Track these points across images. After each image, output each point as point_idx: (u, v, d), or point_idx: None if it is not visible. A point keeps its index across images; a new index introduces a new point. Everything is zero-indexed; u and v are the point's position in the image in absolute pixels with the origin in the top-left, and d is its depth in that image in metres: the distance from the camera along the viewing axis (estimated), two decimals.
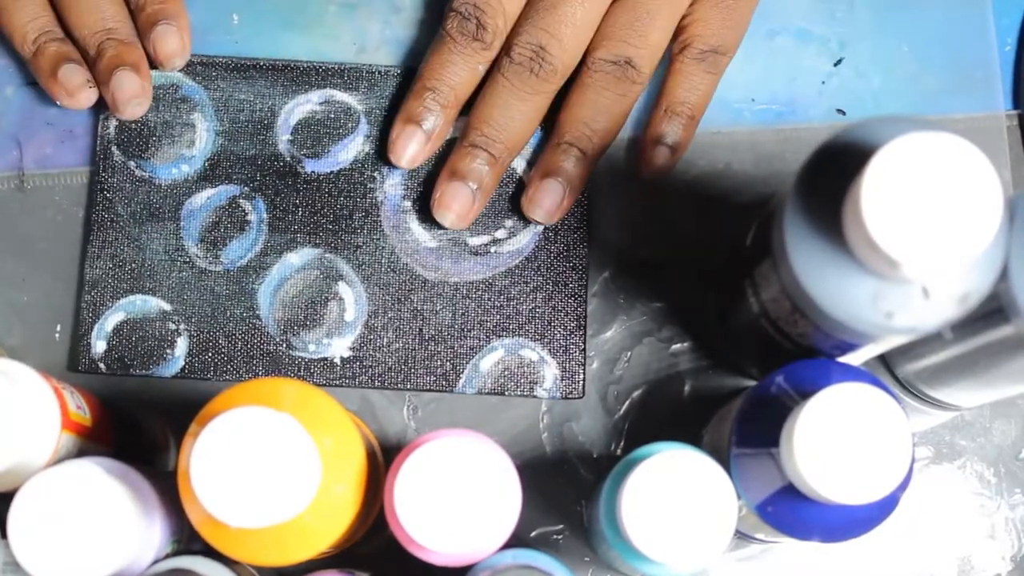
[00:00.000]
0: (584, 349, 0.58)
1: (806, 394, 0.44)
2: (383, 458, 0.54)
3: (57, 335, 0.59)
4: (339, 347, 0.58)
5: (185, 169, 0.59)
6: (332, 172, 0.60)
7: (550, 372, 0.58)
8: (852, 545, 0.57)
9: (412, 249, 0.59)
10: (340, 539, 0.47)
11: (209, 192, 0.59)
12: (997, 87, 0.61)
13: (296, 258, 0.59)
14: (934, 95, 0.61)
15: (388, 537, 0.47)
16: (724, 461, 0.47)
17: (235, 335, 0.58)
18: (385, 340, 0.58)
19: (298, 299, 0.59)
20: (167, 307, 0.58)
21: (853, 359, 0.50)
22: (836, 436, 0.43)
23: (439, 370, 0.58)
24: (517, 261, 0.59)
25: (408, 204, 0.59)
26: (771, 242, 0.44)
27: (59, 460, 0.48)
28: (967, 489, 0.60)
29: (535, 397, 0.58)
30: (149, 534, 0.47)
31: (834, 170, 0.42)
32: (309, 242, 0.59)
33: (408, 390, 0.58)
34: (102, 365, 0.58)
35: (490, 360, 0.58)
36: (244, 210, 0.59)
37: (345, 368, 0.58)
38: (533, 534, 0.58)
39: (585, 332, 0.59)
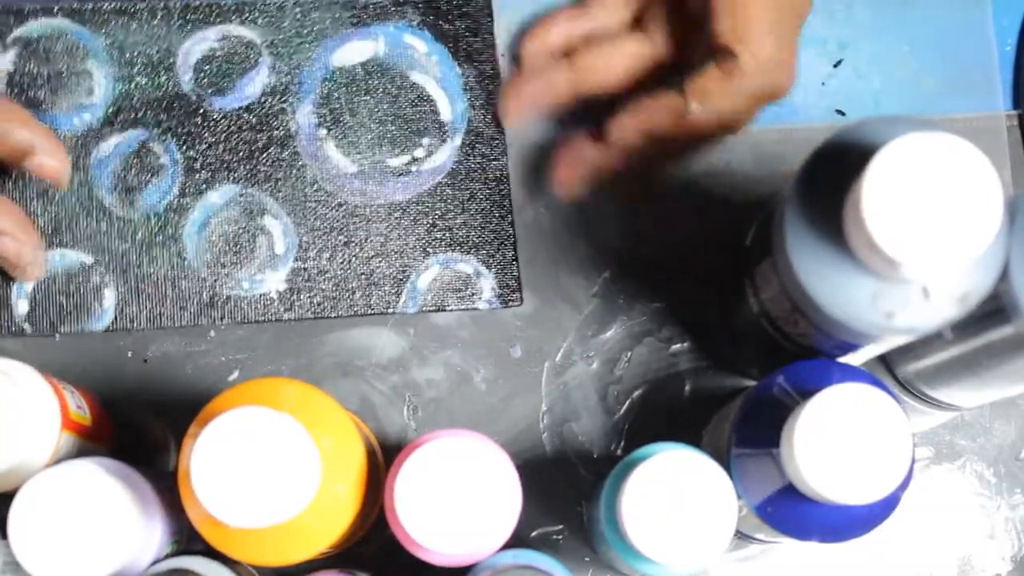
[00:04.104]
0: (515, 257, 0.59)
1: (806, 394, 0.44)
2: (383, 458, 0.54)
3: (57, 335, 0.59)
4: (273, 281, 0.58)
5: (88, 118, 0.58)
6: (241, 107, 0.59)
7: (487, 284, 0.59)
8: (852, 545, 0.57)
9: (333, 175, 0.59)
10: (340, 539, 0.47)
11: (117, 139, 0.58)
12: (997, 87, 0.61)
13: (216, 196, 0.58)
14: (934, 95, 0.61)
15: (388, 537, 0.47)
16: (724, 461, 0.47)
17: (164, 281, 0.58)
18: (318, 270, 0.58)
19: (224, 238, 0.58)
20: (88, 260, 0.57)
21: (853, 359, 0.50)
22: (836, 436, 0.43)
23: (377, 293, 0.58)
24: (439, 178, 0.59)
25: (324, 132, 0.59)
26: (771, 242, 0.44)
27: (59, 460, 0.48)
28: (967, 489, 0.60)
29: (476, 310, 0.59)
30: (149, 534, 0.47)
31: (834, 170, 0.42)
32: (228, 179, 0.58)
33: (349, 316, 0.58)
34: (27, 326, 0.57)
35: (427, 277, 0.58)
36: (156, 153, 0.58)
37: (283, 301, 0.58)
38: (533, 534, 0.58)
39: (515, 240, 0.59)
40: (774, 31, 0.52)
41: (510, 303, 0.59)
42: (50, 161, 0.54)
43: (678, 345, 0.60)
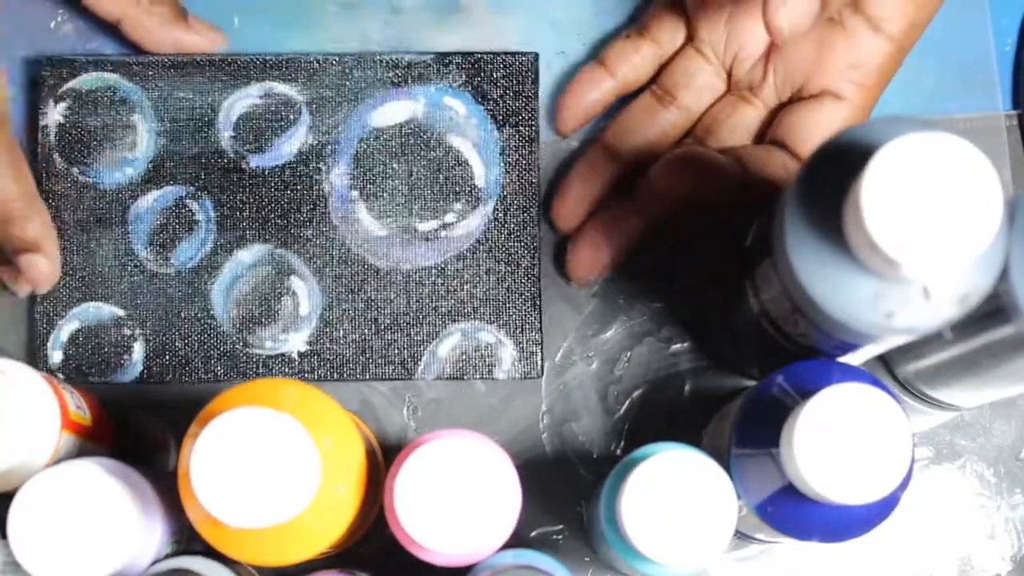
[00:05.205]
0: (540, 328, 0.58)
1: (806, 394, 0.44)
2: (383, 458, 0.54)
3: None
4: (296, 342, 0.58)
5: (129, 172, 0.59)
6: (277, 166, 0.59)
7: (507, 353, 0.58)
8: (852, 545, 0.57)
9: (362, 239, 0.59)
10: (340, 539, 0.48)
11: (155, 194, 0.59)
12: (997, 87, 0.61)
13: (247, 255, 0.59)
14: (934, 95, 0.61)
15: (388, 537, 0.47)
16: (724, 461, 0.47)
17: (191, 336, 0.58)
18: (341, 332, 0.58)
19: (251, 296, 0.58)
20: (121, 313, 0.58)
21: (853, 359, 0.50)
22: (836, 436, 0.43)
23: (397, 358, 0.58)
24: (468, 244, 0.59)
25: (355, 194, 0.59)
26: (771, 242, 0.44)
27: (59, 460, 0.48)
28: (967, 489, 0.60)
29: (494, 379, 0.58)
30: (149, 534, 0.47)
31: (834, 170, 0.42)
32: (259, 238, 0.59)
33: (367, 380, 0.58)
34: (60, 375, 0.58)
35: (447, 345, 0.58)
36: (191, 210, 0.59)
37: (303, 362, 0.58)
38: (533, 534, 0.58)
39: (540, 311, 0.58)
40: None
41: (529, 375, 0.58)
42: (44, 265, 0.56)
43: (678, 345, 0.60)
